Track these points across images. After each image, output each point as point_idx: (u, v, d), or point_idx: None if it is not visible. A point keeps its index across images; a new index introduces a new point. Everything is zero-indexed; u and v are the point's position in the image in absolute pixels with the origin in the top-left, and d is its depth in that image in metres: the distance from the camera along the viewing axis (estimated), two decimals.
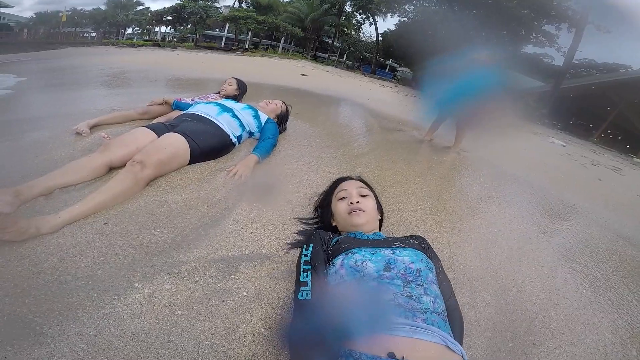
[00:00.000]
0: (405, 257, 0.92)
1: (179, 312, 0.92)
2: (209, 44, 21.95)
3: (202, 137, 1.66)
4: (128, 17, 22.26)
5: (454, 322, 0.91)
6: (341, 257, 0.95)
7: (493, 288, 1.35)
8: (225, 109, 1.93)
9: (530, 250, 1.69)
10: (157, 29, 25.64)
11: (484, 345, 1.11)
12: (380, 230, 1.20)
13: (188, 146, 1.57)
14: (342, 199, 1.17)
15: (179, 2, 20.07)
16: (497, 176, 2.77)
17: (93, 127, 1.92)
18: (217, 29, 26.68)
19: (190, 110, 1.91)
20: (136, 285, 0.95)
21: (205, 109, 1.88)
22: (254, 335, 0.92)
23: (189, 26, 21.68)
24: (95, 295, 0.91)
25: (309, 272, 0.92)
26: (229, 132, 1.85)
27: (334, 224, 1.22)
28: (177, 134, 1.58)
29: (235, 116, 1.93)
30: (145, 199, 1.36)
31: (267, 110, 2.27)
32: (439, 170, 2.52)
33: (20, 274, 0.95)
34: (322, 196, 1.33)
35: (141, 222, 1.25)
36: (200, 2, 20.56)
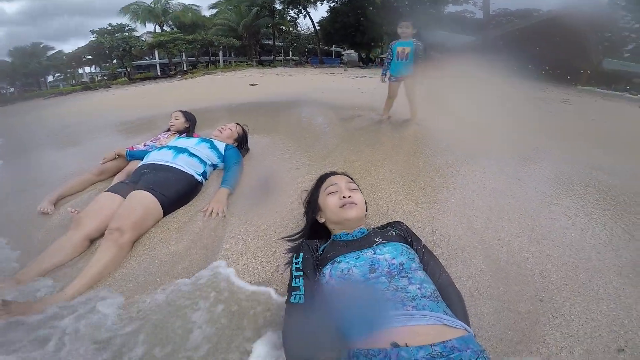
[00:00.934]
0: (387, 255, 0.98)
1: None
2: (144, 74, 20.87)
3: (166, 186, 1.64)
4: (42, 65, 20.48)
5: (451, 298, 0.97)
6: (328, 267, 1.00)
7: (483, 253, 1.37)
8: (180, 150, 1.89)
9: (507, 204, 1.73)
10: (80, 70, 23.93)
11: (492, 312, 1.12)
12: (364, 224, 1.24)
13: (156, 200, 1.55)
14: (332, 193, 1.19)
15: (93, 39, 18.89)
16: (459, 136, 2.93)
17: (57, 202, 1.90)
18: (147, 58, 25.37)
19: (146, 160, 1.86)
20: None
21: (160, 156, 1.83)
22: None
23: (114, 61, 20.46)
24: None
25: (300, 277, 0.98)
26: (192, 172, 1.82)
27: (322, 220, 1.22)
28: (141, 190, 1.55)
29: (192, 154, 1.90)
30: (138, 260, 1.38)
31: (223, 137, 2.25)
32: (403, 148, 2.64)
33: None
34: (309, 193, 1.33)
35: (142, 281, 1.27)
36: (117, 35, 19.42)
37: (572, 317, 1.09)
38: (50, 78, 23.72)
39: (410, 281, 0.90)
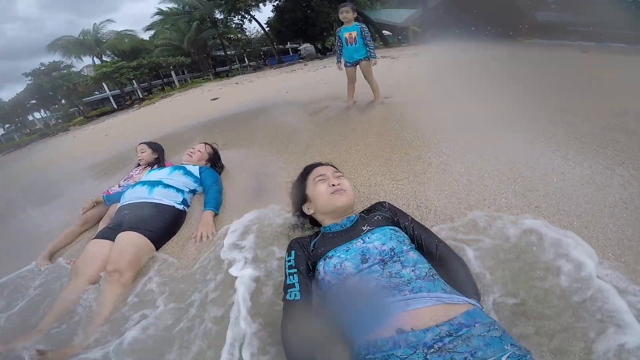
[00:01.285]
0: (376, 242, 1.00)
1: None
2: (99, 110, 19.95)
3: (149, 222, 1.63)
4: None
5: (454, 266, 0.99)
6: (321, 263, 1.02)
7: (472, 219, 1.31)
8: (154, 184, 1.87)
9: (483, 162, 1.72)
10: (30, 117, 22.55)
11: (503, 274, 1.06)
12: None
13: (144, 237, 1.55)
14: (320, 181, 1.20)
15: (29, 82, 17.84)
16: (423, 108, 3.03)
17: (52, 256, 1.94)
18: (96, 92, 24.22)
19: (123, 201, 1.83)
20: None
21: (135, 194, 1.82)
22: None
23: (63, 102, 19.42)
24: None
25: (294, 274, 1.00)
26: (171, 203, 1.82)
27: (310, 212, 1.24)
28: (127, 231, 1.56)
29: (167, 186, 1.89)
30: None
31: (194, 161, 2.24)
32: (373, 129, 2.71)
33: None
34: (295, 183, 1.34)
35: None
36: (54, 73, 18.37)
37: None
38: (1, 131, 22.20)
39: (403, 265, 0.91)
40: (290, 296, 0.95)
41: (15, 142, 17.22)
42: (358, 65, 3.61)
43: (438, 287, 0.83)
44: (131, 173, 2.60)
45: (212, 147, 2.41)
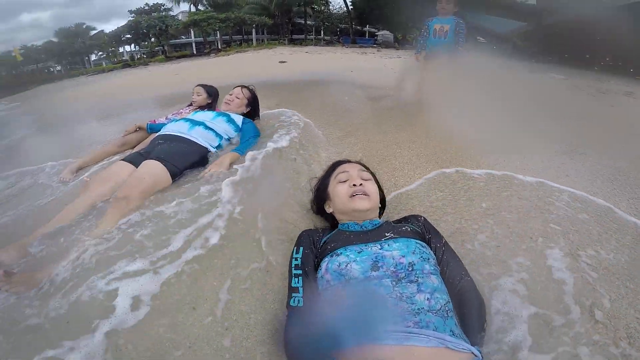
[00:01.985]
0: (395, 252, 0.85)
1: None
2: (180, 52, 21.41)
3: (178, 156, 1.60)
4: (86, 44, 21.60)
5: (470, 306, 0.84)
6: (326, 259, 0.90)
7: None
8: (196, 123, 1.84)
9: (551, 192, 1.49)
10: (121, 49, 24.99)
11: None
12: (379, 218, 1.12)
13: (166, 170, 1.52)
14: (342, 181, 1.09)
15: (131, 19, 19.49)
16: (499, 127, 2.60)
17: (78, 171, 1.94)
18: (183, 36, 25.96)
19: (162, 131, 1.83)
20: None
21: (175, 127, 1.80)
22: None
23: (152, 40, 21.13)
24: None
25: (300, 277, 0.89)
26: (206, 145, 1.78)
27: (329, 210, 1.14)
28: (153, 160, 1.53)
29: (208, 128, 1.85)
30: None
31: (234, 107, 2.14)
32: (435, 132, 2.38)
33: None
34: (319, 180, 1.25)
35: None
36: (154, 14, 19.92)
37: None
38: (93, 57, 25.03)
39: (419, 288, 0.77)
40: (293, 302, 0.85)
41: (101, 67, 19.25)
42: (438, 61, 3.22)
43: (447, 328, 0.72)
44: (181, 110, 2.64)
45: (250, 90, 2.26)
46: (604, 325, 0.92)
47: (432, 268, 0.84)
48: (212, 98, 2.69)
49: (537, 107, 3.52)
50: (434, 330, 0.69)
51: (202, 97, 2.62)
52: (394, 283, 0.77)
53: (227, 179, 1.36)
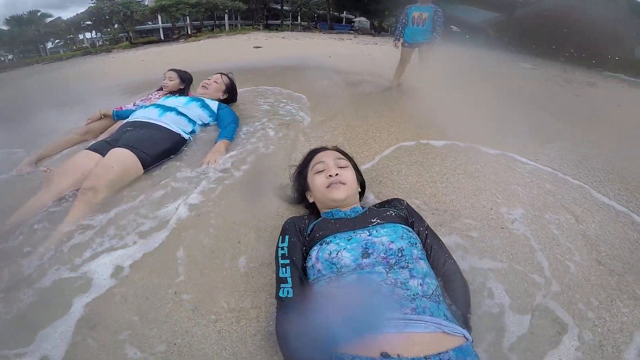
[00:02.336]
0: (384, 237, 0.85)
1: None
2: (146, 38, 20.14)
3: (149, 143, 1.50)
4: (40, 32, 19.78)
5: (455, 288, 0.87)
6: (316, 248, 0.88)
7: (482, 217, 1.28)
8: (167, 109, 1.74)
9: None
10: (81, 36, 23.15)
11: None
12: (360, 203, 1.11)
13: (136, 158, 1.42)
14: (319, 172, 1.07)
15: (92, 5, 18.06)
16: (474, 112, 2.66)
17: (38, 162, 1.77)
18: (149, 22, 24.38)
19: (130, 118, 1.71)
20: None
21: (145, 114, 1.69)
22: None
23: (115, 26, 19.73)
24: None
25: (287, 267, 0.86)
26: (179, 131, 1.69)
27: (311, 200, 1.12)
28: (121, 148, 1.43)
29: (180, 113, 1.75)
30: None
31: (211, 92, 2.07)
32: (414, 117, 2.40)
33: None
34: (297, 170, 1.23)
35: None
36: (117, 0, 18.55)
37: None
38: (49, 45, 23.01)
39: (411, 273, 0.77)
40: (282, 293, 0.82)
41: (59, 55, 17.70)
42: (417, 48, 3.29)
43: (441, 313, 0.72)
44: (150, 95, 2.47)
45: (229, 77, 2.22)
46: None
47: (420, 253, 0.84)
48: (185, 84, 2.54)
49: (509, 95, 3.66)
50: (430, 315, 0.70)
51: (174, 82, 2.46)
52: (386, 269, 0.77)
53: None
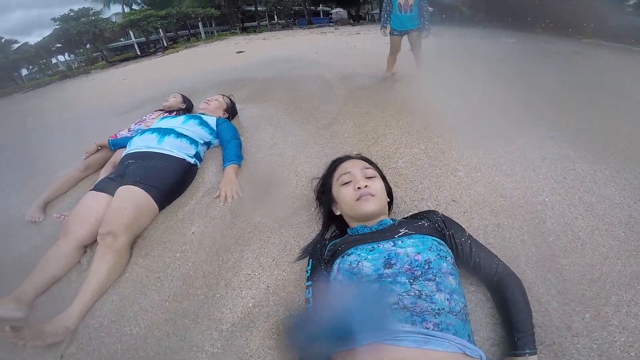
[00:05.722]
0: (409, 248, 0.79)
1: None
2: (122, 55, 19.76)
3: (156, 177, 1.41)
4: (9, 59, 19.19)
5: (513, 288, 0.82)
6: (337, 261, 0.85)
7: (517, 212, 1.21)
8: (165, 132, 1.63)
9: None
10: (54, 60, 22.62)
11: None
12: (389, 215, 1.05)
13: (147, 195, 1.34)
14: (346, 183, 1.00)
15: (57, 27, 17.59)
16: (468, 92, 2.61)
17: (45, 207, 1.71)
18: (122, 39, 23.87)
19: (129, 149, 1.61)
20: None
21: (143, 142, 1.58)
22: None
23: (87, 46, 19.30)
24: None
25: (309, 288, 0.87)
26: (182, 156, 1.58)
27: (338, 213, 1.05)
28: (129, 186, 1.34)
29: (179, 135, 1.65)
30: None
31: (211, 109, 2.02)
32: (417, 105, 2.34)
33: None
34: (320, 181, 1.16)
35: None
36: (82, 19, 18.11)
37: None
38: (25, 71, 22.41)
39: (438, 287, 0.71)
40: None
41: (36, 80, 17.23)
42: (407, 35, 3.22)
43: (466, 332, 0.69)
44: (144, 117, 2.37)
45: (230, 99, 2.23)
46: None
47: (450, 268, 0.78)
48: (185, 105, 2.51)
49: (508, 75, 3.58)
50: (454, 334, 0.65)
51: (175, 100, 2.43)
52: (410, 280, 0.72)
53: None
